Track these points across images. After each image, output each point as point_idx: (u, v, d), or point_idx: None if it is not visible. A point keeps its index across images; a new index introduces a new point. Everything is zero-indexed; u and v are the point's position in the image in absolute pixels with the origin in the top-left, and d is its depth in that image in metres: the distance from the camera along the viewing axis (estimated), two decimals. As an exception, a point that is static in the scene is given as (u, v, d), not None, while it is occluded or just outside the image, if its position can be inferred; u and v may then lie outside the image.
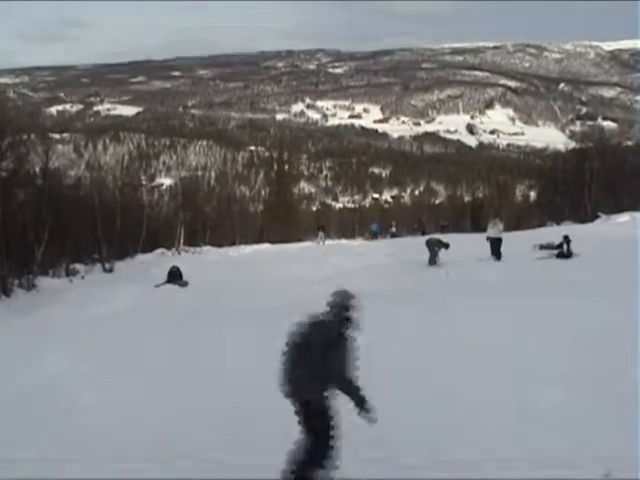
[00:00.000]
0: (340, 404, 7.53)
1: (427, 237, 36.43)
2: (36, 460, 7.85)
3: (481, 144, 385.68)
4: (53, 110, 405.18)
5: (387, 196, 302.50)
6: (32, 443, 8.43)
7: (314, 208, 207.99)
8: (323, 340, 7.76)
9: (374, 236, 64.65)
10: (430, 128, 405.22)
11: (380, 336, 12.42)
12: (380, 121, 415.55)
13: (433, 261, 31.43)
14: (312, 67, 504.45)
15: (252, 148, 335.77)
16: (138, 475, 7.31)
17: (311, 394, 7.73)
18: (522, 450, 7.34)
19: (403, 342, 11.97)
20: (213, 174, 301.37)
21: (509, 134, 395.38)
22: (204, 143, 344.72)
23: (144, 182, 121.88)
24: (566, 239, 30.26)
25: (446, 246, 32.40)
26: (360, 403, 7.58)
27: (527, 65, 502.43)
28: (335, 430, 7.69)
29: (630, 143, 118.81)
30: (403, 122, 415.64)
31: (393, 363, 10.84)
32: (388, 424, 8.08)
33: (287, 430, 7.93)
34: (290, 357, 7.93)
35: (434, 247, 32.01)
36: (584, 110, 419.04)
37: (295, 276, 31.43)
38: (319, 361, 7.64)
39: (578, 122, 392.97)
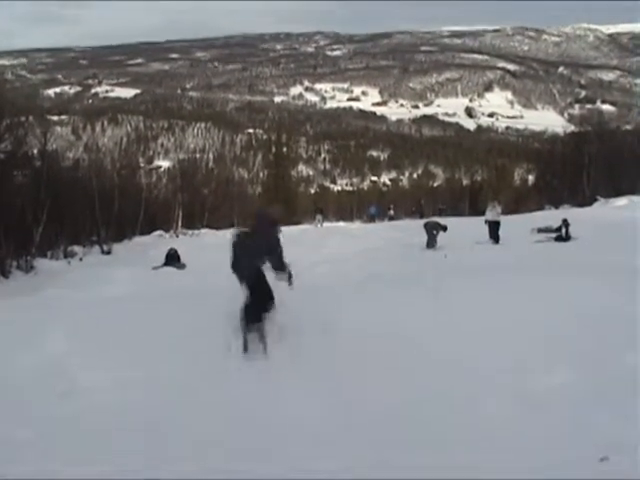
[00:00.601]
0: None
1: (425, 220, 36.36)
2: (34, 442, 7.85)
3: (480, 127, 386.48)
4: (51, 92, 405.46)
5: (385, 179, 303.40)
6: (30, 425, 8.42)
7: (312, 191, 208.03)
8: (264, 241, 12.20)
9: (372, 219, 64.68)
10: (429, 111, 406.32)
11: (376, 318, 12.44)
12: (378, 104, 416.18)
13: (431, 244, 31.44)
14: (310, 50, 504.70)
15: (250, 130, 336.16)
16: (136, 455, 7.31)
17: (254, 273, 12.12)
18: (519, 433, 7.34)
19: (400, 324, 11.95)
20: (211, 156, 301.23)
21: (508, 117, 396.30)
22: (202, 125, 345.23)
23: (142, 164, 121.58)
24: (565, 222, 30.29)
25: (444, 228, 32.41)
26: (289, 277, 12.36)
27: (526, 48, 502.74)
28: (271, 292, 12.28)
29: (629, 127, 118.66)
30: (402, 105, 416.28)
31: (390, 345, 10.83)
32: (387, 409, 8.12)
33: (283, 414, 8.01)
34: (237, 253, 12.35)
35: (432, 230, 32.01)
36: (583, 93, 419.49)
37: (293, 258, 31.40)
38: (261, 253, 12.16)
39: (577, 105, 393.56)
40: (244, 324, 11.98)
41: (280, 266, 12.31)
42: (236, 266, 12.28)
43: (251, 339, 11.74)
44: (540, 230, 32.71)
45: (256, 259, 12.19)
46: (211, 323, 12.80)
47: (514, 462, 6.62)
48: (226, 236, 40.80)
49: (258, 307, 12.05)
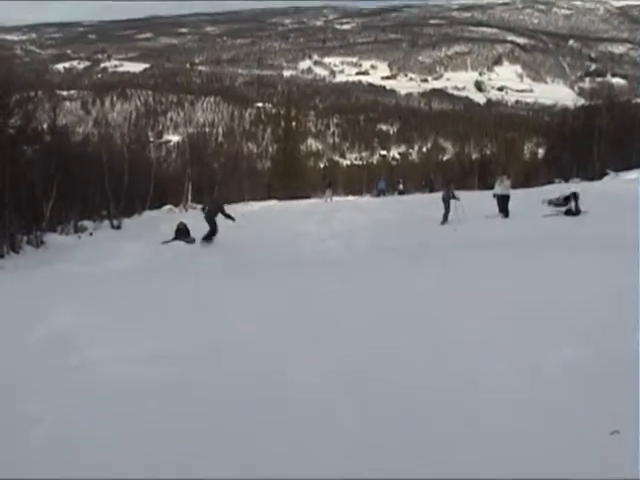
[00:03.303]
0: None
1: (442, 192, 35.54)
2: (46, 415, 7.89)
3: (489, 101, 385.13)
4: (60, 67, 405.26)
5: (395, 153, 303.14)
6: (43, 399, 8.46)
7: (322, 165, 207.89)
8: (216, 207, 30.08)
9: (381, 193, 64.47)
10: (438, 85, 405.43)
11: (386, 289, 12.47)
12: (388, 78, 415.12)
13: (446, 218, 31.23)
14: (319, 23, 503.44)
15: (259, 105, 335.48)
16: (145, 430, 7.34)
17: (211, 220, 29.33)
18: (529, 408, 7.35)
19: (410, 296, 11.98)
20: (221, 131, 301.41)
21: (517, 91, 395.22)
22: (211, 100, 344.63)
23: (152, 139, 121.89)
24: (574, 196, 30.21)
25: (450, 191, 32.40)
26: (231, 219, 29.93)
27: (536, 21, 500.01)
28: (216, 227, 29.47)
29: (639, 100, 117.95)
30: (411, 79, 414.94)
31: (396, 315, 10.83)
32: (385, 384, 8.15)
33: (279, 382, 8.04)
34: (205, 212, 30.34)
35: (449, 200, 31.73)
36: (593, 67, 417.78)
37: (304, 232, 31.50)
38: (215, 211, 29.63)
39: (587, 79, 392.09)
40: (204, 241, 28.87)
41: (226, 216, 29.06)
42: (205, 219, 29.37)
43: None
44: (550, 202, 32.62)
45: (211, 213, 29.20)
46: (218, 300, 12.84)
47: (521, 436, 6.64)
48: (236, 210, 41.09)
49: (208, 234, 28.81)
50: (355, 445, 6.73)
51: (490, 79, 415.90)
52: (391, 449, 6.66)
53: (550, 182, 56.83)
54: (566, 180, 55.63)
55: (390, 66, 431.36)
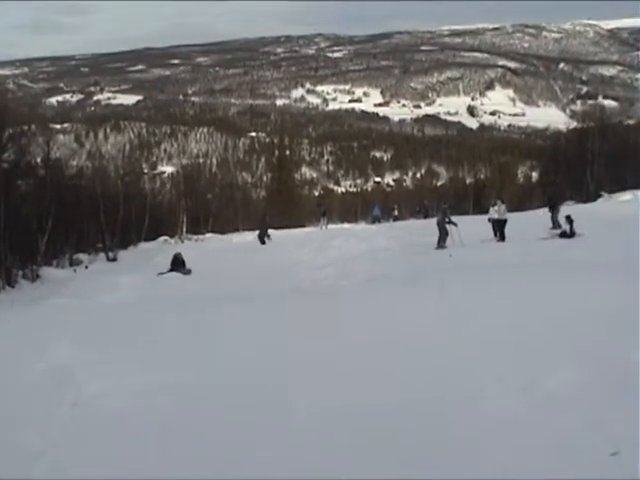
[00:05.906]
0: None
1: (436, 218, 35.63)
2: (45, 453, 7.84)
3: (482, 125, 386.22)
4: (53, 100, 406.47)
5: (389, 179, 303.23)
6: (42, 436, 8.40)
7: (316, 193, 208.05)
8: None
9: (377, 220, 64.42)
10: (431, 110, 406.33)
11: (384, 315, 12.46)
12: (380, 105, 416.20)
13: (443, 241, 31.13)
14: (311, 52, 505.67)
15: (253, 134, 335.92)
16: (148, 463, 7.31)
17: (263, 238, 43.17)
18: (529, 428, 7.33)
19: (401, 322, 11.97)
20: (214, 161, 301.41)
21: (510, 115, 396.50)
22: (205, 130, 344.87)
23: (146, 170, 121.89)
24: (569, 219, 30.28)
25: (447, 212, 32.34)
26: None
27: (526, 45, 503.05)
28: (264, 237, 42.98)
29: (631, 121, 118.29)
30: (403, 105, 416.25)
31: (389, 341, 10.82)
32: (383, 408, 8.12)
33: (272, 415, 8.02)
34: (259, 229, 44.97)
35: (443, 224, 31.64)
36: (584, 89, 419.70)
37: (300, 260, 31.48)
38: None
39: (579, 101, 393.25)
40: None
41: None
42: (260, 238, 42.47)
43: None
44: (553, 226, 32.89)
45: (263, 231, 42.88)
46: (215, 331, 12.80)
47: (521, 456, 6.62)
48: (232, 240, 41.18)
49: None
50: (357, 452, 6.74)
51: (482, 104, 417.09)
52: (389, 460, 6.66)
53: (545, 205, 56.89)
54: (560, 203, 55.72)
55: (382, 93, 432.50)
